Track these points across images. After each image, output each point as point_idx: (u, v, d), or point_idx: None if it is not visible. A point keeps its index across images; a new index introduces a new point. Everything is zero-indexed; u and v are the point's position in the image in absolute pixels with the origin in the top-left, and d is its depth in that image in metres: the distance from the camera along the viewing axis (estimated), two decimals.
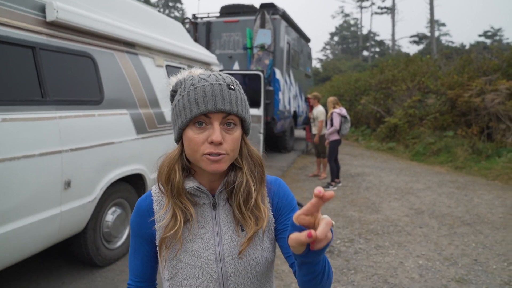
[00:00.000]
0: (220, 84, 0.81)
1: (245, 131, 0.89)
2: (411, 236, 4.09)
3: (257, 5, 9.13)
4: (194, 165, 0.87)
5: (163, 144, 3.66)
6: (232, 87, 0.82)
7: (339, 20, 58.00)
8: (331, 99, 6.60)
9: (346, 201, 5.48)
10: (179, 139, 0.86)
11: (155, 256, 0.92)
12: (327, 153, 6.60)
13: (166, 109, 3.92)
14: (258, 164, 0.90)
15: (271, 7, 8.84)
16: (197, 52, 4.87)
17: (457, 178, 7.08)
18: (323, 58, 48.17)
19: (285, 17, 9.29)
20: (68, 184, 2.57)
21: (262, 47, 8.55)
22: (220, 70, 5.42)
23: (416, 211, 4.98)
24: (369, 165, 8.51)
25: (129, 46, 3.47)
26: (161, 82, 3.92)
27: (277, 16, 8.80)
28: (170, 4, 40.75)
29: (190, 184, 0.86)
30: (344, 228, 4.34)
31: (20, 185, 2.23)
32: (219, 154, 0.79)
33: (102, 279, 3.02)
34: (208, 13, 9.49)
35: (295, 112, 11.04)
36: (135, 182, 3.44)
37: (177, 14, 40.40)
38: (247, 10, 9.29)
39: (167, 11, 40.03)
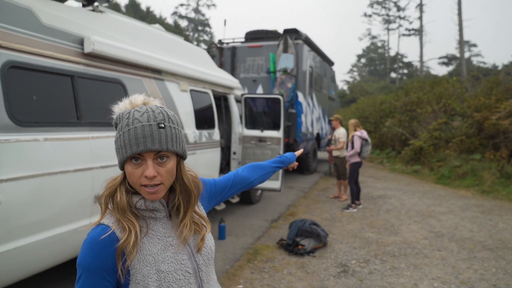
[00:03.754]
0: (150, 124, 0.91)
1: (181, 157, 1.02)
2: (428, 259, 4.08)
3: (281, 31, 9.45)
4: None
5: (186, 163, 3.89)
6: (163, 126, 0.93)
7: (366, 42, 57.84)
8: (352, 121, 6.69)
9: (365, 223, 5.49)
10: (122, 168, 0.96)
11: None
12: (348, 175, 6.67)
13: (190, 130, 4.18)
14: (188, 188, 1.03)
15: (294, 33, 9.13)
16: (219, 77, 5.16)
17: (482, 202, 6.91)
18: (350, 80, 48.12)
19: (308, 41, 9.55)
20: (97, 198, 2.82)
21: (285, 71, 8.80)
22: (242, 94, 5.67)
23: (435, 234, 4.93)
24: (391, 188, 8.43)
25: (156, 72, 3.79)
26: (185, 106, 4.20)
27: (300, 41, 9.07)
28: (200, 28, 42.37)
29: (142, 202, 0.97)
30: (361, 249, 4.37)
31: (57, 197, 2.50)
32: (154, 185, 0.92)
33: None
34: (234, 39, 9.91)
35: (318, 134, 11.13)
36: None
37: (206, 37, 41.89)
38: (271, 35, 9.63)
39: (196, 35, 41.61)
